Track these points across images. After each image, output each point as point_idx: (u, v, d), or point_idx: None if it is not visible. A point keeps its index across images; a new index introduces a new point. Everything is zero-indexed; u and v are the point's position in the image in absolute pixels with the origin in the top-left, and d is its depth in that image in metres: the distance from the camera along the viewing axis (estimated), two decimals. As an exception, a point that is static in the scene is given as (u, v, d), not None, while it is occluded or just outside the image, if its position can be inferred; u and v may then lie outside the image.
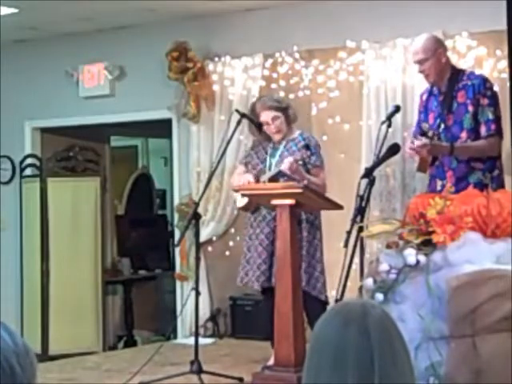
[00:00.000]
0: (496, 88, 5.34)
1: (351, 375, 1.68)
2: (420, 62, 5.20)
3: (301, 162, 5.39)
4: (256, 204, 5.52)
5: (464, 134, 5.09)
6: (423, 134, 5.12)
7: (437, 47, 5.20)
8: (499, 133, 5.10)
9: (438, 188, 5.12)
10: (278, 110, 5.52)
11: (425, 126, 5.28)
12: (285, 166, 5.29)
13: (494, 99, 5.10)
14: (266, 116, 5.51)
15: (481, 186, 4.82)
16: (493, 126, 5.05)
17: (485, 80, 5.18)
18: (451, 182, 5.07)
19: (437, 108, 5.23)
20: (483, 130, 5.06)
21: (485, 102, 5.06)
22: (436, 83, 5.25)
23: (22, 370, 1.55)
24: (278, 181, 5.36)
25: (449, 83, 5.18)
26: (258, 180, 5.47)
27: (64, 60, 7.98)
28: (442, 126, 5.14)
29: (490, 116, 5.05)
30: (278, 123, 5.50)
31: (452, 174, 5.11)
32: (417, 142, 5.00)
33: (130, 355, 6.55)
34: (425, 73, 5.21)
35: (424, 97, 5.39)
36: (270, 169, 5.52)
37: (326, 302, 5.43)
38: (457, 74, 5.22)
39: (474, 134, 5.08)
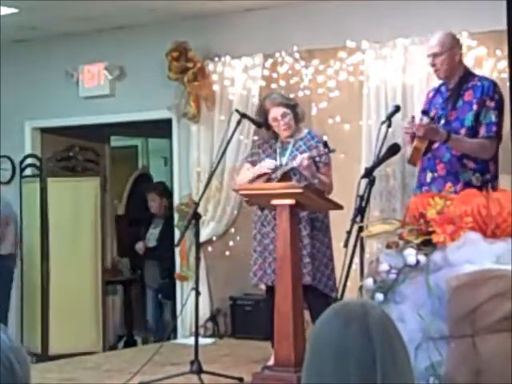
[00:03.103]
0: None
1: (353, 375, 1.68)
2: (434, 56, 5.20)
3: (317, 159, 5.39)
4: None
5: (463, 131, 5.09)
6: (424, 112, 5.12)
7: (454, 45, 5.22)
8: (498, 136, 5.10)
9: (428, 180, 5.12)
10: (288, 107, 5.53)
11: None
12: (297, 162, 5.30)
13: (500, 104, 5.10)
14: (275, 112, 5.51)
15: (470, 187, 4.80)
16: (494, 128, 5.05)
17: (495, 84, 5.19)
18: (442, 174, 5.07)
19: (440, 105, 5.24)
20: (483, 131, 5.06)
21: (491, 104, 5.07)
22: (445, 80, 5.25)
23: (21, 367, 1.56)
24: (291, 178, 5.37)
25: (458, 82, 5.18)
26: (268, 179, 5.47)
27: (64, 60, 7.98)
28: (443, 120, 5.14)
29: (493, 119, 5.06)
30: (287, 120, 5.51)
31: (443, 166, 5.10)
32: (418, 122, 5.01)
33: (130, 355, 6.55)
34: (436, 67, 5.21)
35: (430, 94, 5.40)
36: (280, 167, 5.52)
37: (334, 299, 5.43)
38: (468, 75, 5.23)
39: (473, 133, 5.08)
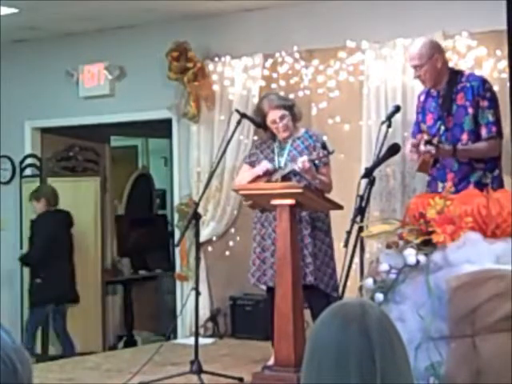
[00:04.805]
0: (495, 88, 5.34)
1: (353, 375, 1.68)
2: (415, 68, 5.20)
3: (317, 162, 5.40)
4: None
5: (465, 136, 5.09)
6: (428, 142, 5.09)
7: (433, 53, 5.17)
8: (499, 134, 5.12)
9: (439, 190, 5.12)
10: (286, 109, 5.53)
11: (423, 126, 5.28)
12: (298, 166, 5.30)
13: (493, 101, 5.10)
14: (274, 115, 5.51)
15: (480, 185, 4.83)
16: (493, 128, 5.06)
17: (484, 81, 5.18)
18: (452, 183, 5.07)
19: (435, 110, 5.23)
20: (484, 132, 5.06)
21: (484, 104, 5.06)
22: (433, 87, 5.24)
23: (22, 367, 1.55)
24: (291, 179, 5.38)
25: (447, 86, 5.17)
26: (268, 181, 5.46)
27: (64, 60, 7.98)
28: (443, 128, 5.14)
29: (490, 118, 5.06)
30: (285, 122, 5.51)
31: (453, 176, 5.11)
32: (421, 148, 4.98)
33: (130, 355, 6.55)
34: (421, 78, 5.21)
35: (422, 97, 5.39)
36: (279, 168, 5.52)
37: (336, 299, 5.42)
38: (455, 76, 5.21)
39: (475, 135, 5.08)
